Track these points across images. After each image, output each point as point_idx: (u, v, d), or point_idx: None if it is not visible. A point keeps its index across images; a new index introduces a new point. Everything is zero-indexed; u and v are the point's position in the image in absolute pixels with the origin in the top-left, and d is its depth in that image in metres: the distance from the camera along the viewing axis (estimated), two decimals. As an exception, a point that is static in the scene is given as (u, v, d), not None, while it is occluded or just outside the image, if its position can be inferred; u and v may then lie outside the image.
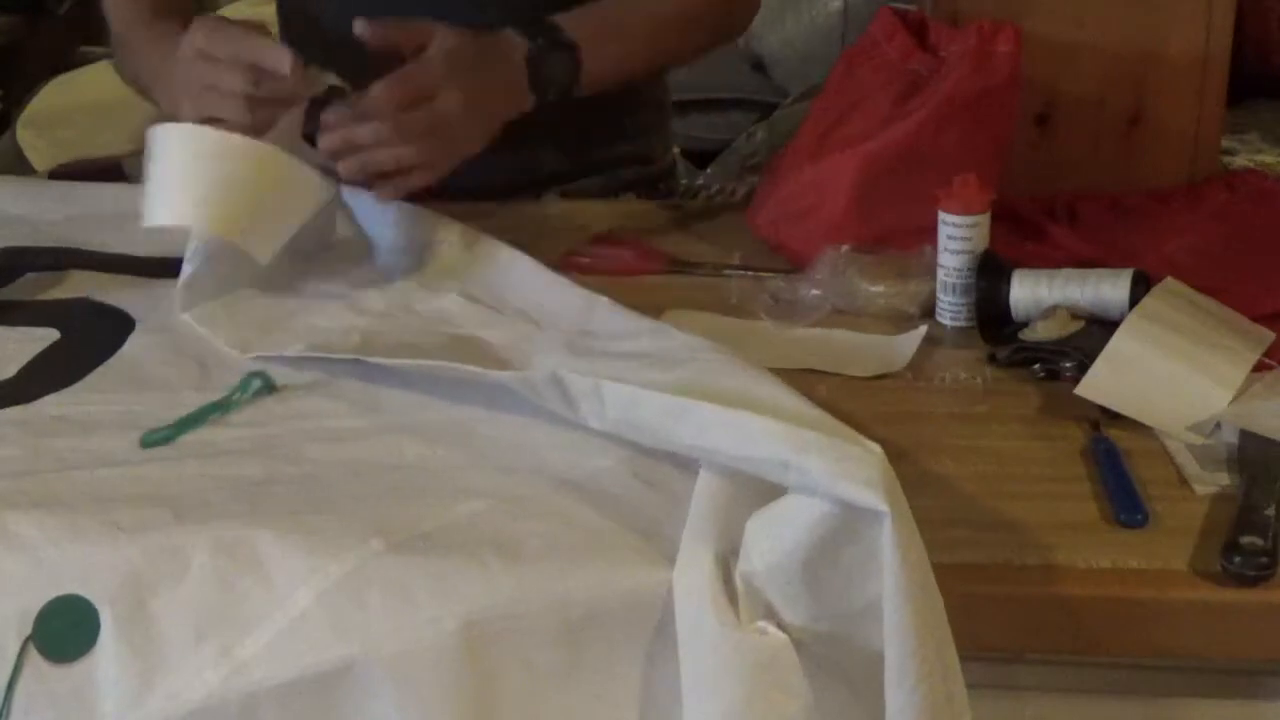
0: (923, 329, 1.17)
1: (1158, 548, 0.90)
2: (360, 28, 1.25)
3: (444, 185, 1.31)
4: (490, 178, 1.48)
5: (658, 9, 1.45)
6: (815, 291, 1.22)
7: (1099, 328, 1.10)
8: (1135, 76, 1.39)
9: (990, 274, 1.16)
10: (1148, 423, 1.02)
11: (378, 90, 1.21)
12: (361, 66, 1.25)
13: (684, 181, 1.90)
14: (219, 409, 1.00)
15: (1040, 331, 1.12)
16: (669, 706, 0.83)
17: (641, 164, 1.60)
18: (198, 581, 0.83)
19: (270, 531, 0.84)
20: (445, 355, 1.02)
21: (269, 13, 1.63)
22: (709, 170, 2.34)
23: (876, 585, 0.78)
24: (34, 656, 0.81)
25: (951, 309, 1.19)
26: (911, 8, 1.42)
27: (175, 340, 1.13)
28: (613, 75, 1.41)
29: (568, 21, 1.36)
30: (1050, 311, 1.13)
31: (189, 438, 0.98)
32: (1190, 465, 0.98)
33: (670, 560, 0.83)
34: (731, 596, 0.81)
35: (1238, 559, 0.86)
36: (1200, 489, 0.95)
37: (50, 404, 1.03)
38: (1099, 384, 1.03)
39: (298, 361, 1.07)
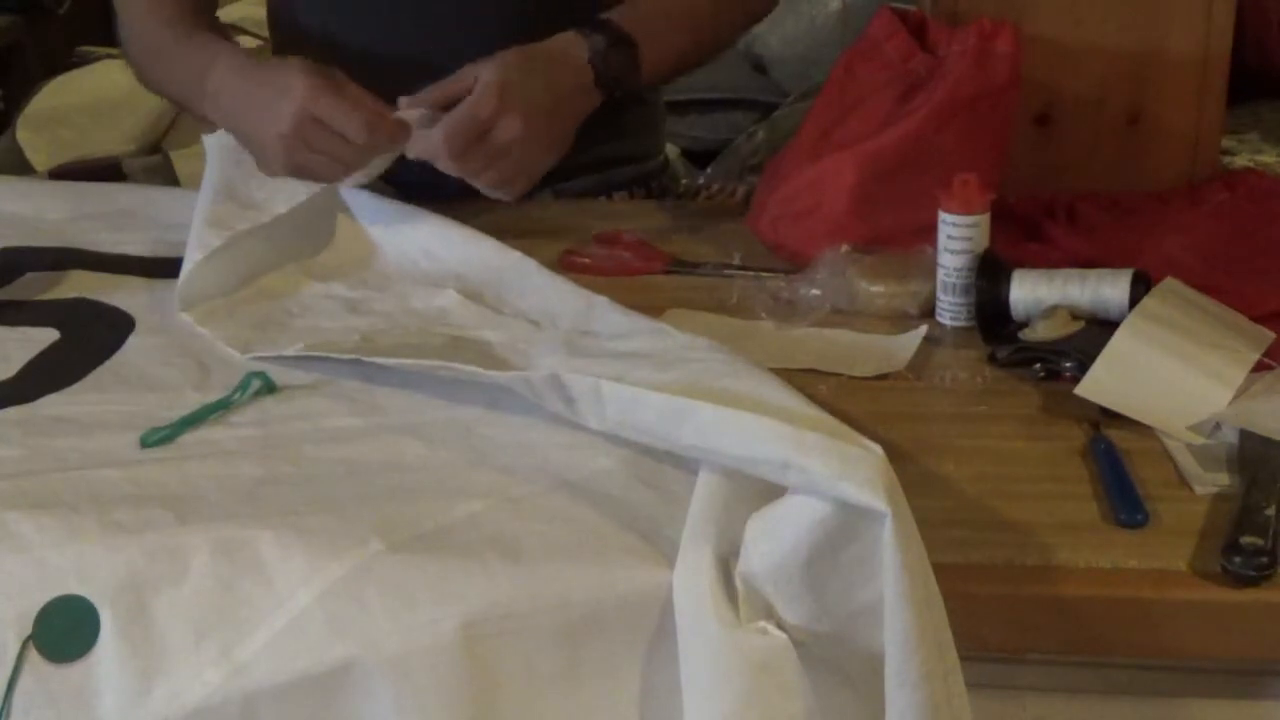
0: (923, 329, 1.17)
1: (1158, 548, 0.89)
2: (404, 102, 1.29)
3: (438, 184, 1.31)
4: None
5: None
6: (815, 291, 1.22)
7: (1099, 328, 1.10)
8: (1135, 76, 1.39)
9: (990, 274, 1.16)
10: (1148, 423, 1.02)
11: (436, 137, 1.26)
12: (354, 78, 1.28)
13: (684, 181, 1.89)
14: (219, 409, 1.00)
15: (1040, 331, 1.11)
16: (669, 707, 0.83)
17: (634, 162, 1.60)
18: (198, 581, 0.83)
19: (270, 532, 0.84)
20: (445, 355, 1.02)
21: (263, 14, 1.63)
22: (709, 170, 2.33)
23: (876, 585, 0.78)
24: (34, 656, 0.81)
25: (951, 309, 1.19)
26: (911, 8, 1.41)
27: (175, 340, 1.13)
28: (667, 67, 1.44)
29: (618, 16, 1.37)
30: (1050, 311, 1.13)
31: (189, 438, 0.98)
32: (1190, 465, 0.98)
33: (670, 561, 0.83)
34: (731, 596, 0.81)
35: (1238, 559, 0.86)
36: (1200, 489, 0.95)
37: (50, 404, 1.03)
38: (1099, 384, 1.03)
39: (298, 361, 1.07)
